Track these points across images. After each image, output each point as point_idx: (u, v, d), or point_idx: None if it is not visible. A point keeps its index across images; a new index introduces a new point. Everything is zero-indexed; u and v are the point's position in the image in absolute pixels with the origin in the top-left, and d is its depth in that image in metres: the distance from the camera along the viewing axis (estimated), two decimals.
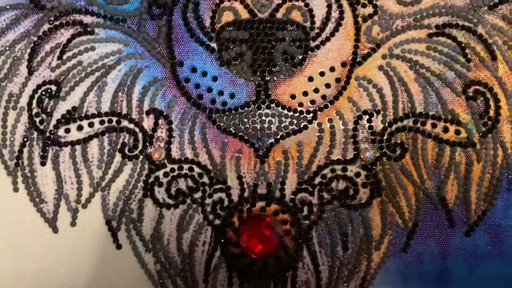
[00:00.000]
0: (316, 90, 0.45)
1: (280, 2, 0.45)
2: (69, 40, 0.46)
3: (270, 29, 0.44)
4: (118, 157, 0.46)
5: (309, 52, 0.45)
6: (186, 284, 0.46)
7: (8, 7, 0.46)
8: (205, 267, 0.46)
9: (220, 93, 0.45)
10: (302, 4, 0.44)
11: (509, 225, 0.45)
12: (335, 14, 0.45)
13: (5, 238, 0.46)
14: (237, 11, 0.44)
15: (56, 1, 0.46)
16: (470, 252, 0.46)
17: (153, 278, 0.46)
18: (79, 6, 0.46)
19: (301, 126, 0.45)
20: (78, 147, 0.46)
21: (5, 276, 0.46)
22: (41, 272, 0.46)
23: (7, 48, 0.46)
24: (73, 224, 0.46)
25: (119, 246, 0.46)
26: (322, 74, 0.45)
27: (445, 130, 0.45)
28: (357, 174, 0.45)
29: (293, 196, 0.45)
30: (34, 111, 0.45)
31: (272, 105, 0.45)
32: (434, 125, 0.45)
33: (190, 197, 0.45)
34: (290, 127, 0.45)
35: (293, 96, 0.45)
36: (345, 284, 0.46)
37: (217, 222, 0.45)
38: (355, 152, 0.45)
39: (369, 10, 0.45)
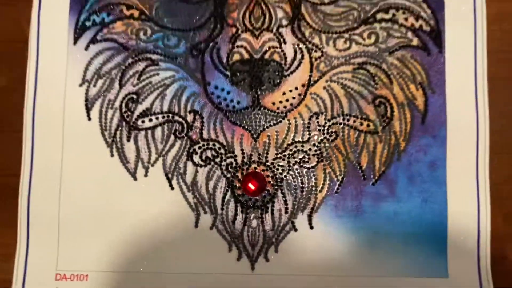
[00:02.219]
0: (287, 100, 0.61)
1: (267, 49, 0.61)
2: (143, 69, 0.62)
3: (261, 64, 0.60)
4: (172, 137, 0.61)
5: (284, 78, 0.61)
6: (211, 209, 0.61)
7: (108, 48, 0.63)
8: (221, 201, 0.61)
9: (231, 101, 0.61)
10: (279, 50, 0.61)
11: (398, 180, 0.61)
12: (298, 56, 0.62)
13: (104, 186, 0.60)
14: (242, 54, 0.61)
15: (136, 45, 0.62)
16: (375, 195, 0.60)
17: (191, 206, 0.61)
18: (149, 49, 0.62)
19: (278, 121, 0.61)
20: (149, 131, 0.61)
21: (98, 212, 0.60)
22: (126, 207, 0.61)
23: (106, 72, 0.62)
24: (146, 175, 0.61)
25: (172, 188, 0.61)
26: (291, 91, 0.61)
27: (361, 124, 0.61)
28: (309, 149, 0.61)
29: (273, 161, 0.61)
30: (123, 110, 0.62)
31: (261, 108, 0.61)
32: (354, 121, 0.60)
33: (213, 161, 0.61)
34: (272, 122, 0.61)
35: (273, 103, 0.61)
36: (301, 211, 0.61)
37: (229, 175, 0.61)
38: (309, 136, 0.61)
39: (318, 53, 0.62)
